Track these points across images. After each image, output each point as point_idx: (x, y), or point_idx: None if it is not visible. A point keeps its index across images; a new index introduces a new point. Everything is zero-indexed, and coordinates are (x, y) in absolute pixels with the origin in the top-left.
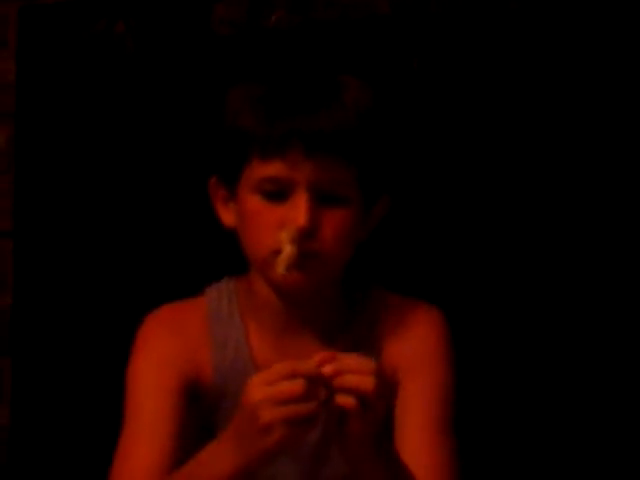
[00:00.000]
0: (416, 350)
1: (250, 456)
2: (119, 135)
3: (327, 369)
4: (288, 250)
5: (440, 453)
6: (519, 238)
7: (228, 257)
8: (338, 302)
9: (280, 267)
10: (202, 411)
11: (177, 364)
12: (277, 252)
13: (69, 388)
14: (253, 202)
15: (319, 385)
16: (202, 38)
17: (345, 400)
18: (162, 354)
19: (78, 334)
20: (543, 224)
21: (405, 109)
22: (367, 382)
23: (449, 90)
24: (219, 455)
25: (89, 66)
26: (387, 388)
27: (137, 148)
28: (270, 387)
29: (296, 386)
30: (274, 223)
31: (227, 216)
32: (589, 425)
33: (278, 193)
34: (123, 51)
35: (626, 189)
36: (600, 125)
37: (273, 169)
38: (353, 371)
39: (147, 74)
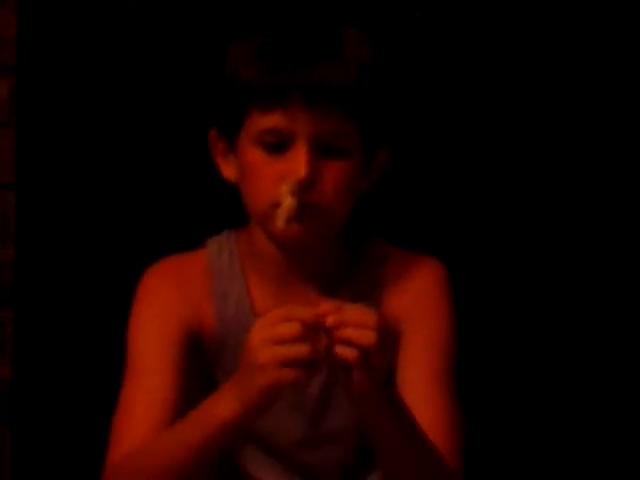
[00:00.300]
0: (418, 303)
1: (248, 400)
2: (121, 86)
3: (329, 320)
4: (288, 202)
5: (442, 405)
6: (522, 189)
7: (228, 210)
8: (339, 254)
9: (280, 220)
10: (203, 363)
11: (179, 316)
12: (277, 205)
13: (71, 339)
14: (253, 155)
15: (318, 332)
16: None
17: (345, 351)
18: (164, 306)
19: (80, 286)
20: (545, 174)
21: (407, 60)
22: (368, 336)
23: (451, 41)
24: (219, 402)
25: (91, 18)
26: (390, 340)
27: (139, 99)
28: (269, 328)
29: (292, 328)
30: (274, 176)
31: (227, 169)
32: (587, 385)
33: (278, 145)
34: (124, 2)
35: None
36: (597, 86)
37: (273, 121)
38: (354, 324)
39: (148, 25)
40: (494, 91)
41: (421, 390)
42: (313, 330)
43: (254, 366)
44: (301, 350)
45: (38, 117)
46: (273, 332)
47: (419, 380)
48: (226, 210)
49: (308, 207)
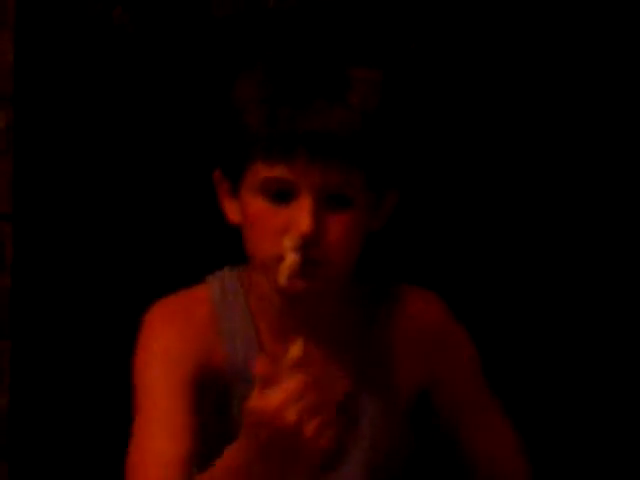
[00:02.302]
0: (442, 344)
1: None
2: (119, 118)
3: None
4: (291, 259)
5: (502, 430)
6: (521, 225)
7: (228, 244)
8: (347, 297)
9: (282, 277)
10: (214, 398)
11: (188, 354)
12: (280, 259)
13: (69, 371)
14: (256, 204)
15: None
16: (201, 20)
17: None
18: (172, 344)
19: (78, 317)
20: (550, 213)
21: (412, 102)
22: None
23: (449, 71)
24: None
25: (89, 48)
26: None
27: (137, 131)
28: (299, 400)
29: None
30: (277, 227)
31: (231, 211)
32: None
33: (282, 195)
34: (123, 33)
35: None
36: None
37: (277, 172)
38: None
39: (147, 56)
40: (493, 121)
41: (480, 423)
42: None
43: (297, 444)
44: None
45: (35, 147)
46: (308, 403)
47: (475, 414)
48: (226, 244)
49: (312, 262)
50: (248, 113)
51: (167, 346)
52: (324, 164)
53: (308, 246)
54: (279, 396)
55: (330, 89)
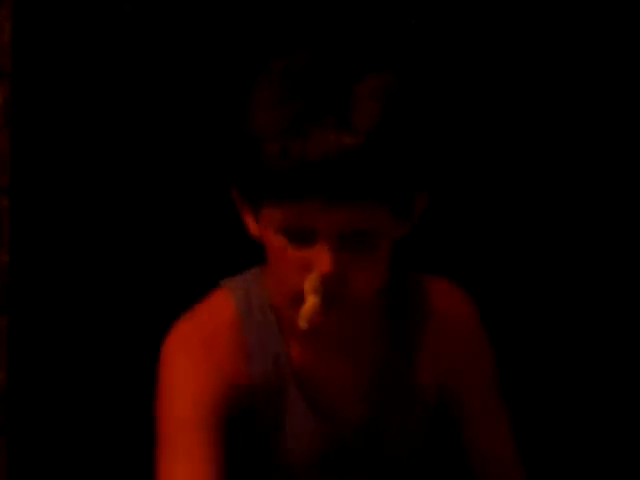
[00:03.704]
0: (465, 342)
1: None
2: (117, 93)
3: None
4: (310, 302)
5: (508, 433)
6: (522, 223)
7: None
8: (379, 303)
9: (302, 320)
10: (251, 422)
11: (213, 384)
12: (300, 298)
13: (67, 345)
14: (277, 241)
15: None
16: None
17: None
18: (196, 376)
19: (76, 290)
20: (552, 212)
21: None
22: None
23: (450, 46)
24: None
25: (87, 24)
26: None
27: (136, 105)
28: None
29: None
30: (299, 265)
31: (252, 226)
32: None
33: (301, 236)
34: (120, 10)
35: None
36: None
37: (292, 218)
38: None
39: (145, 35)
40: (496, 119)
41: (485, 423)
42: None
43: None
44: None
45: (33, 122)
46: None
47: (482, 414)
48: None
49: (337, 299)
50: (263, 150)
51: (192, 379)
52: (341, 207)
53: (332, 285)
54: None
55: (336, 117)
